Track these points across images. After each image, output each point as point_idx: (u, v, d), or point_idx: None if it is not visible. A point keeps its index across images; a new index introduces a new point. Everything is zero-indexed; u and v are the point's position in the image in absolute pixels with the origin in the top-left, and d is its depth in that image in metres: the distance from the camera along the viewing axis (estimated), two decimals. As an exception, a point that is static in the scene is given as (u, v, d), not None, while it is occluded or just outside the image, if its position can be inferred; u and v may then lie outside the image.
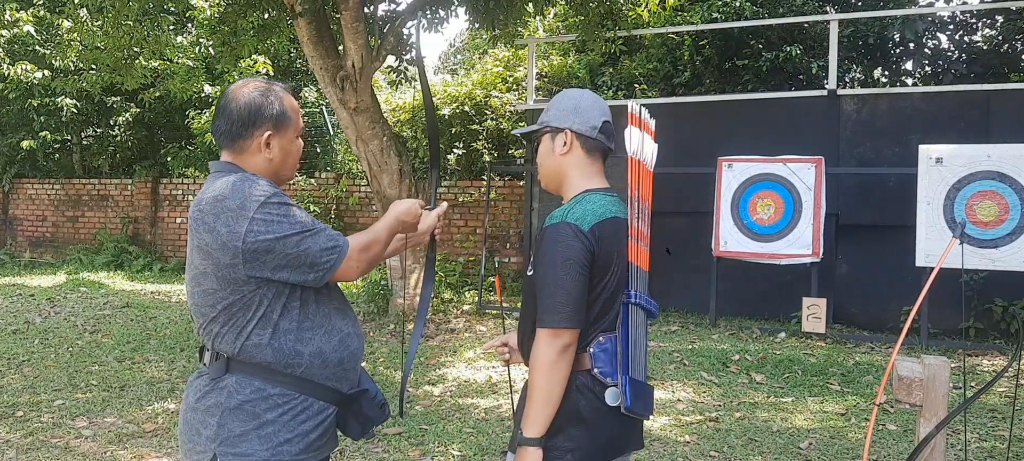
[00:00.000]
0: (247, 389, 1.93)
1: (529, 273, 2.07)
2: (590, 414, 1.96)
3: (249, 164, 2.01)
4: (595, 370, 1.98)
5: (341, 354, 2.03)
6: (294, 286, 1.95)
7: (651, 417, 2.02)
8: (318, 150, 13.77)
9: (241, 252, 1.86)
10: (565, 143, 2.06)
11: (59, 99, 12.77)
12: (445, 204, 2.50)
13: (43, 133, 13.43)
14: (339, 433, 2.13)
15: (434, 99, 11.73)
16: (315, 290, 2.01)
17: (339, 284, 2.15)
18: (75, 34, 8.14)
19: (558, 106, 2.11)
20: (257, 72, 11.32)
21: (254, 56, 10.30)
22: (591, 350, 1.98)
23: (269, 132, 2.00)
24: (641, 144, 2.08)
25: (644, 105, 2.07)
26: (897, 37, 10.02)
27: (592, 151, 2.07)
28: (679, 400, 5.45)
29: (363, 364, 2.20)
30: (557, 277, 1.90)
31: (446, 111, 11.39)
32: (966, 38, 10.36)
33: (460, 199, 11.02)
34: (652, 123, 2.16)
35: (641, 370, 2.02)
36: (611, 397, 1.96)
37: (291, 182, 10.57)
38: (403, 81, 9.60)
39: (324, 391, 2.01)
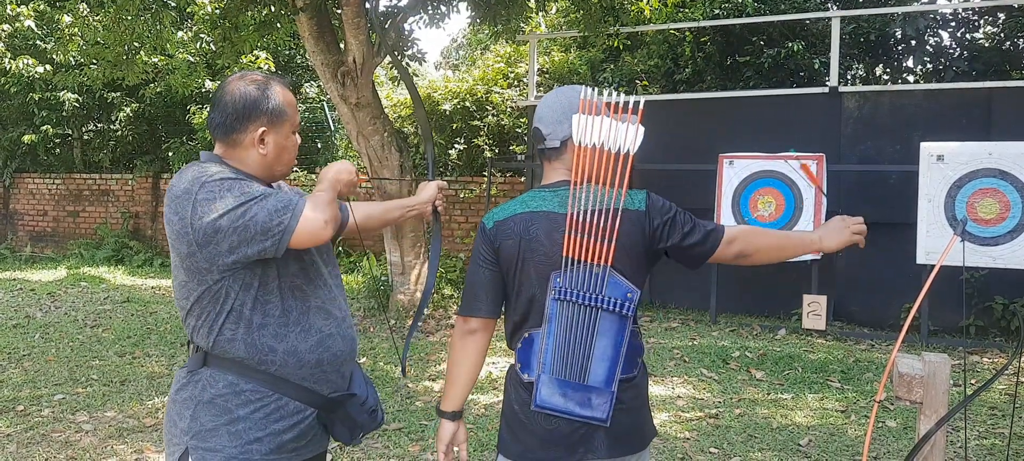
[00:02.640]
0: (220, 383, 1.91)
1: None
2: (520, 410, 1.97)
3: (241, 158, 1.97)
4: (518, 366, 1.98)
5: (319, 355, 1.97)
6: (266, 276, 1.90)
7: (605, 420, 1.91)
8: (319, 146, 13.75)
9: (194, 238, 1.82)
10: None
11: (60, 94, 12.76)
12: (440, 181, 2.52)
13: (44, 128, 13.43)
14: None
15: (436, 94, 11.73)
16: (295, 287, 1.95)
17: (330, 283, 2.07)
18: (76, 29, 8.13)
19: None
20: (259, 68, 11.31)
21: (255, 52, 10.30)
22: (518, 346, 1.98)
23: (264, 128, 1.95)
24: (596, 130, 1.91)
25: (648, 100, 1.98)
26: (899, 34, 10.01)
27: (549, 157, 2.05)
28: (679, 396, 5.45)
29: (363, 361, 2.17)
30: (469, 270, 2.03)
31: (447, 107, 11.38)
32: (968, 35, 10.34)
33: (461, 195, 11.02)
34: (630, 106, 1.94)
35: (580, 371, 1.91)
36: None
37: (290, 179, 10.57)
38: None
39: (301, 392, 1.96)
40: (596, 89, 1.94)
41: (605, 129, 1.90)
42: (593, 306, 1.89)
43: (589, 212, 1.88)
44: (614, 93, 1.93)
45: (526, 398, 1.96)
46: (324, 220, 1.86)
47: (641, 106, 1.91)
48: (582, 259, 1.89)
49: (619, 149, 1.90)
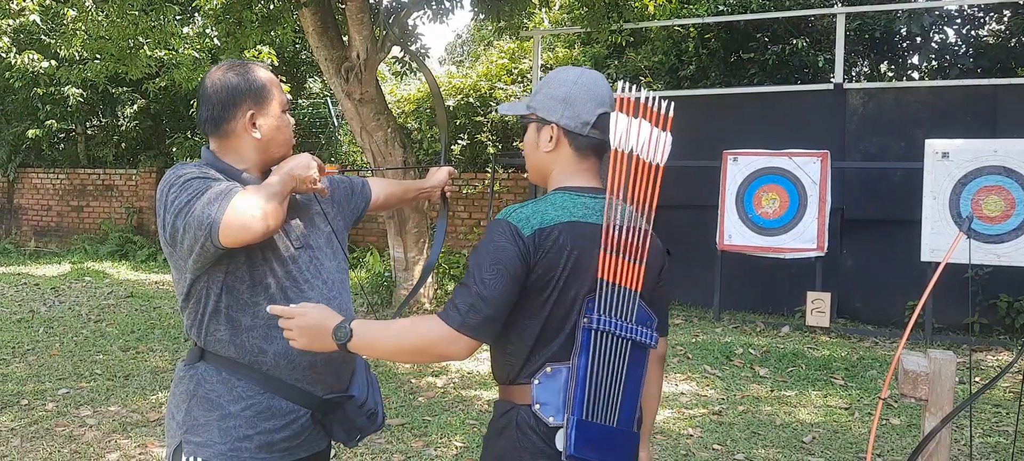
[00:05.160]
0: (214, 379, 1.90)
1: None
2: (533, 460, 1.65)
3: (237, 149, 1.94)
4: (537, 406, 1.65)
5: (312, 356, 1.91)
6: (250, 278, 1.87)
7: None
8: (322, 141, 13.76)
9: (166, 239, 1.82)
10: (551, 139, 1.75)
11: (64, 89, 12.78)
12: (451, 168, 2.56)
13: (48, 122, 13.44)
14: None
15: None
16: (283, 288, 1.90)
17: (332, 279, 2.02)
18: (80, 23, 8.13)
19: (548, 91, 1.77)
20: (260, 62, 11.29)
21: (259, 46, 10.29)
22: (536, 382, 1.65)
23: (252, 110, 1.91)
24: (635, 134, 1.67)
25: (662, 96, 1.67)
26: (904, 31, 9.97)
27: (583, 149, 1.74)
28: (682, 393, 5.44)
29: (366, 362, 2.14)
30: (482, 277, 1.60)
31: (451, 103, 11.37)
32: (973, 32, 10.30)
33: (464, 191, 11.01)
34: (662, 110, 1.70)
35: (611, 413, 1.66)
36: (561, 441, 1.63)
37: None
38: (408, 72, 9.58)
39: (295, 393, 1.92)
40: (628, 84, 1.69)
41: (644, 135, 1.66)
42: (627, 337, 1.66)
43: (623, 228, 1.64)
44: (634, 89, 1.68)
45: (546, 447, 1.65)
46: (259, 213, 1.74)
47: (671, 113, 1.68)
48: (616, 282, 1.65)
49: (652, 159, 1.67)
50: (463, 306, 1.61)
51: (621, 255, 1.64)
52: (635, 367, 1.69)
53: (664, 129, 1.68)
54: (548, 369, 1.65)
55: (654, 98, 1.67)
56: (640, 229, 1.66)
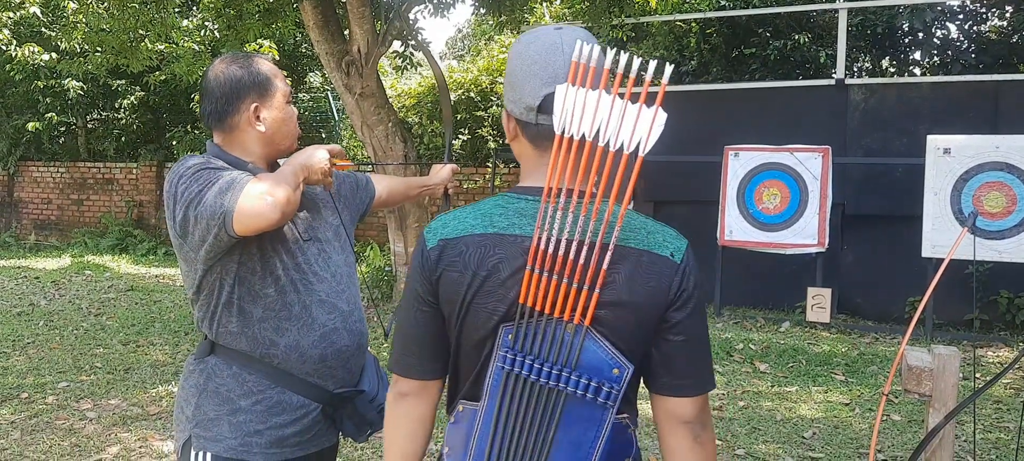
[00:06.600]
0: (225, 373, 1.89)
1: None
2: None
3: (242, 142, 1.93)
4: (446, 449, 1.39)
5: (322, 350, 1.91)
6: (261, 269, 1.86)
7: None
8: (323, 136, 13.74)
9: (177, 232, 1.81)
10: (510, 129, 1.42)
11: (65, 82, 12.76)
12: (454, 165, 2.56)
13: (49, 115, 13.43)
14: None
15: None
16: (293, 280, 1.89)
17: (341, 273, 2.00)
18: (81, 16, 8.11)
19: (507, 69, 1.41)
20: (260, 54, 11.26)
21: (259, 40, 10.27)
22: (451, 420, 1.38)
23: (255, 103, 1.90)
24: (594, 114, 1.22)
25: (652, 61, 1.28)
26: (906, 26, 9.95)
27: (540, 141, 1.35)
28: (683, 388, 5.44)
29: (373, 356, 2.12)
30: (400, 307, 1.41)
31: (452, 97, 11.37)
32: (975, 28, 10.27)
33: (465, 186, 11.01)
34: (646, 74, 1.25)
35: None
36: None
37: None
38: (409, 67, 9.56)
39: (305, 387, 1.91)
40: (587, 45, 1.23)
41: (605, 112, 1.21)
42: (553, 386, 1.26)
43: (561, 242, 1.24)
44: (616, 55, 1.22)
45: None
46: (271, 201, 1.69)
47: (665, 80, 1.19)
48: (546, 311, 1.26)
49: (623, 147, 1.21)
50: (395, 344, 1.41)
51: (557, 276, 1.24)
52: (576, 421, 1.28)
53: (649, 105, 1.21)
54: (460, 408, 1.36)
55: (638, 64, 1.22)
56: (594, 245, 1.24)
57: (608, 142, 1.22)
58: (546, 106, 1.30)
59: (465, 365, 1.35)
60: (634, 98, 1.22)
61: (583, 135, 1.22)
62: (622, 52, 1.22)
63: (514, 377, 1.27)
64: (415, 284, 1.36)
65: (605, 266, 1.23)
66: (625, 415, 1.34)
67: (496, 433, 1.28)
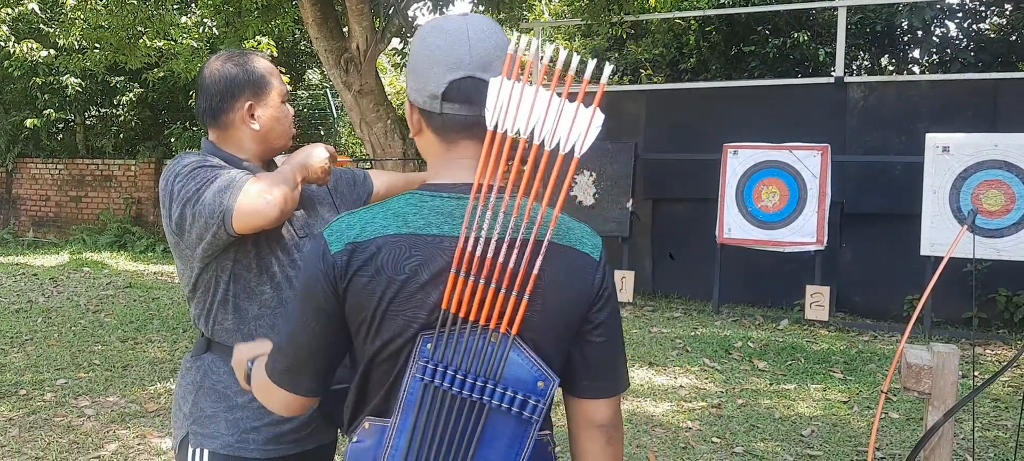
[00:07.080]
0: (222, 369, 1.89)
1: None
2: None
3: (236, 140, 1.93)
4: None
5: None
6: (256, 266, 1.86)
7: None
8: (322, 133, 13.73)
9: (172, 230, 1.81)
10: (414, 122, 1.31)
11: (63, 78, 12.74)
12: None
13: (47, 112, 13.41)
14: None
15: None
16: (289, 277, 1.89)
17: None
18: (79, 12, 8.11)
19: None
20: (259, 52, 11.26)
21: (258, 37, 10.26)
22: (353, 439, 1.29)
23: (250, 101, 1.90)
24: (530, 110, 1.16)
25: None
26: (905, 25, 9.96)
27: (446, 133, 1.26)
28: (681, 386, 5.44)
29: None
30: (291, 310, 1.29)
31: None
32: (975, 26, 10.29)
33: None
34: (584, 72, 1.17)
35: None
36: None
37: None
38: (407, 63, 9.53)
39: None
40: (523, 36, 1.17)
41: (541, 109, 1.15)
42: (477, 399, 1.18)
43: (490, 242, 1.16)
44: (554, 50, 1.22)
45: None
46: (270, 199, 1.70)
47: (603, 79, 1.16)
48: (471, 318, 1.17)
49: (559, 145, 1.16)
50: (275, 348, 1.30)
51: (483, 281, 1.16)
52: (499, 436, 1.20)
53: (585, 105, 1.16)
54: (366, 425, 1.25)
55: (577, 61, 1.18)
56: (525, 245, 1.16)
57: (544, 141, 1.15)
58: (451, 94, 1.22)
59: (375, 378, 1.24)
60: (572, 97, 1.16)
61: (518, 131, 1.15)
62: (571, 53, 1.18)
63: (433, 389, 1.18)
64: (313, 292, 1.22)
65: (535, 272, 1.16)
66: (546, 432, 1.28)
67: (411, 450, 1.19)
